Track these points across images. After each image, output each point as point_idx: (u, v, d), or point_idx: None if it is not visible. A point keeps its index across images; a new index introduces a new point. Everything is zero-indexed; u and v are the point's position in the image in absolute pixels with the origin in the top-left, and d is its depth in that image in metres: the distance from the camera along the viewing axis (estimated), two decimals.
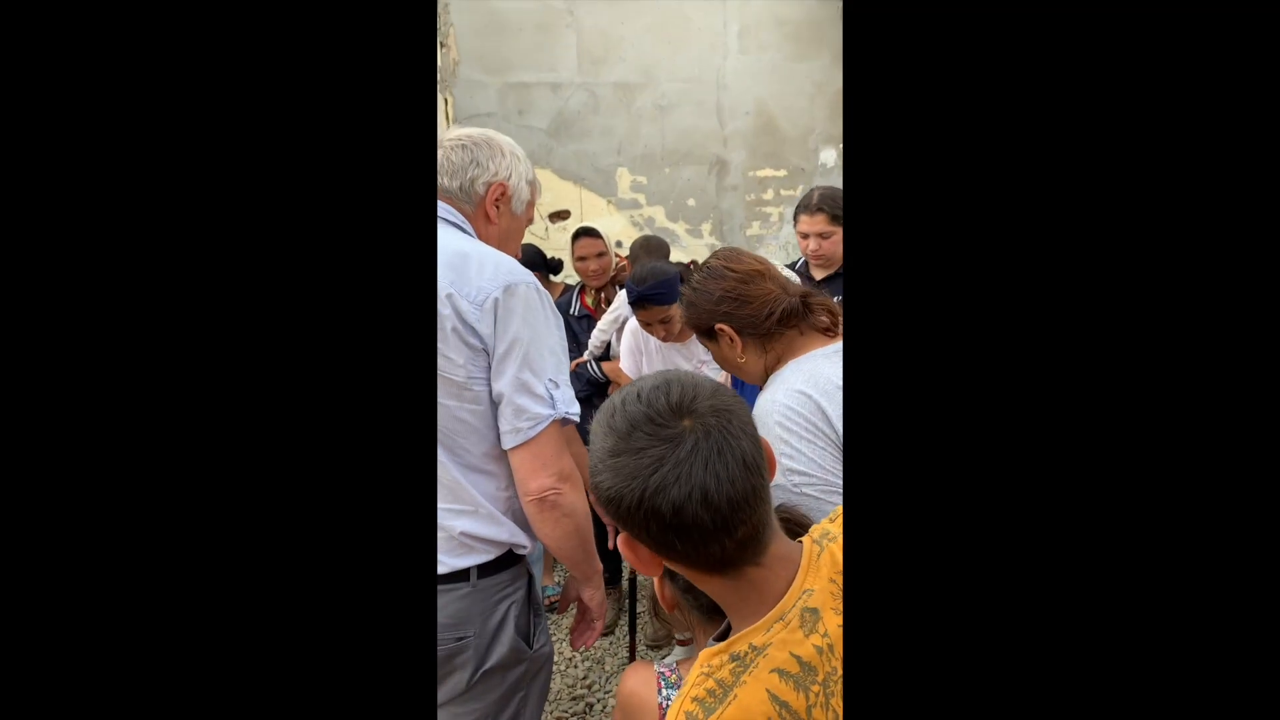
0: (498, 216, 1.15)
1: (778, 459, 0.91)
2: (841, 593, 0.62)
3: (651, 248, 2.65)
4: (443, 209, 1.11)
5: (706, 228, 4.07)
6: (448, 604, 1.06)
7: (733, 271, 1.11)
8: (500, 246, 1.13)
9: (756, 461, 0.59)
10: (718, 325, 1.11)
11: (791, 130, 4.05)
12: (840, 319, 1.11)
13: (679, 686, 1.00)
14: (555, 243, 3.94)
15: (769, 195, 4.10)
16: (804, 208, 2.20)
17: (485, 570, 1.08)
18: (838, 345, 1.07)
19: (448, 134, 1.16)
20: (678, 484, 0.56)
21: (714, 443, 0.57)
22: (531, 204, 1.22)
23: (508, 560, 1.11)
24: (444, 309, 0.98)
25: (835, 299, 1.20)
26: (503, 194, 1.15)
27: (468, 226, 1.12)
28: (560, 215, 4.01)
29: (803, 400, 0.98)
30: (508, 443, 1.01)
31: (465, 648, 1.07)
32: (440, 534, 1.05)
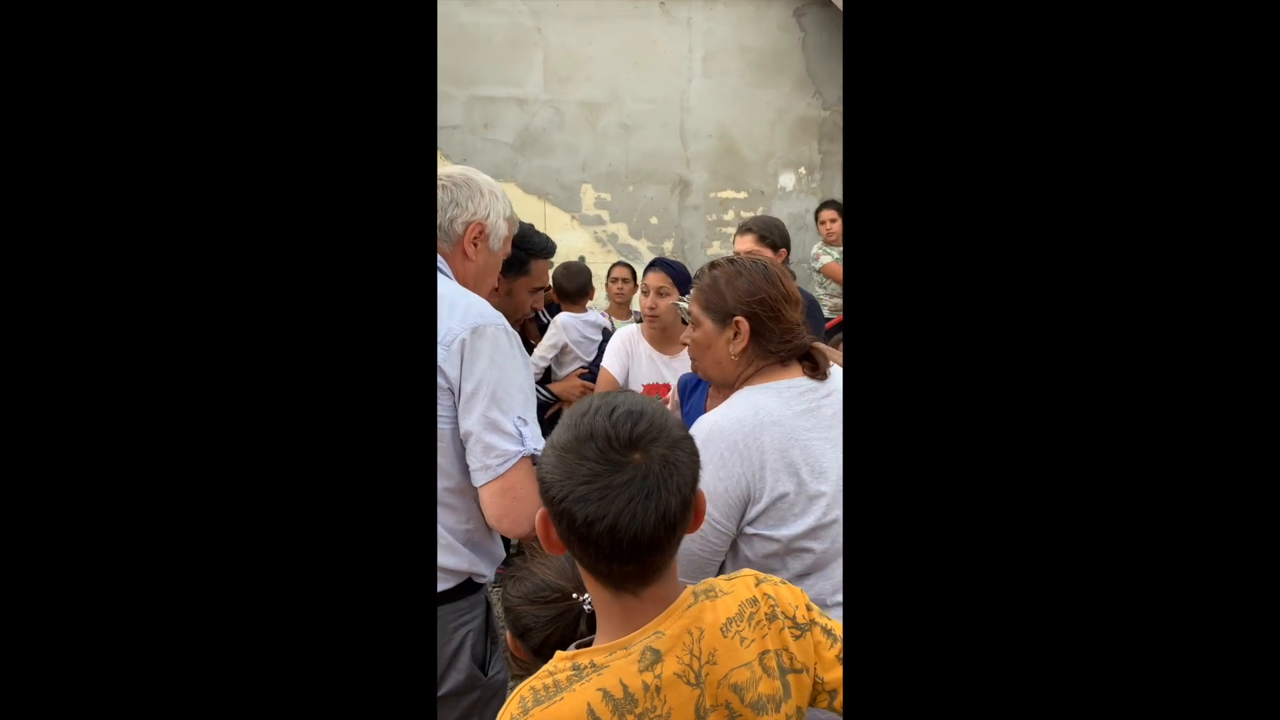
0: (475, 254, 1.18)
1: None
2: (698, 645, 0.67)
3: (571, 273, 2.73)
4: None
5: (669, 245, 4.15)
6: None
7: (783, 285, 1.10)
8: (476, 282, 1.17)
9: (675, 518, 0.64)
10: (738, 316, 1.07)
11: (752, 154, 4.16)
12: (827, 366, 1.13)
13: None
14: None
15: (729, 216, 4.20)
16: (740, 230, 2.39)
17: (445, 598, 1.10)
18: (791, 382, 1.08)
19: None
20: (598, 504, 0.61)
21: (647, 486, 0.62)
22: (508, 239, 1.24)
23: (467, 588, 1.14)
24: None
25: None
26: (480, 232, 1.18)
27: (444, 266, 1.15)
28: None
29: (738, 425, 1.01)
30: (478, 480, 1.04)
31: None
32: None
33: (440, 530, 1.08)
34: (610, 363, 2.17)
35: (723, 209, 4.18)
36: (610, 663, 0.66)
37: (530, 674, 0.82)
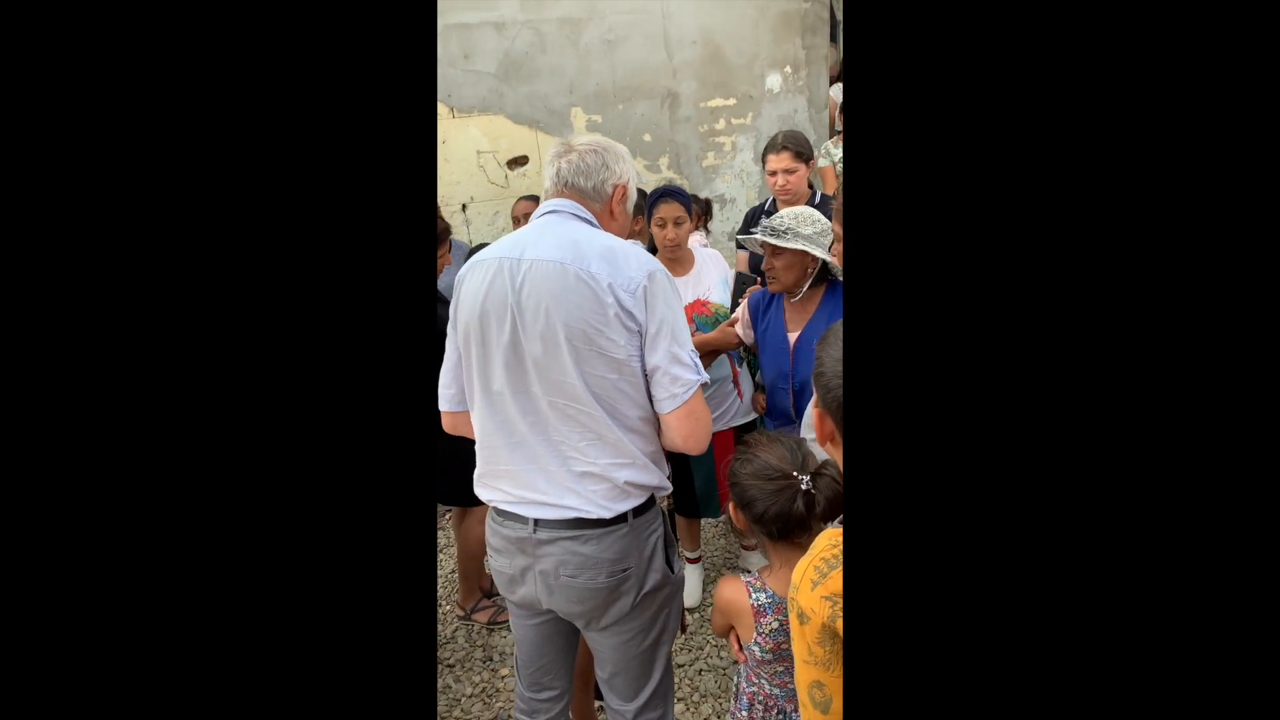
0: (619, 213, 1.31)
1: None
2: None
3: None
4: (573, 206, 1.24)
5: (664, 162, 4.14)
6: (613, 543, 1.24)
7: None
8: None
9: None
10: None
11: (737, 58, 4.11)
12: None
13: (764, 590, 1.23)
14: (516, 190, 3.93)
15: (721, 125, 4.19)
16: (771, 148, 2.40)
17: (638, 512, 1.26)
18: None
19: (578, 140, 1.27)
20: None
21: None
22: (634, 203, 1.37)
23: (651, 502, 1.29)
24: (606, 298, 1.12)
25: None
26: (624, 194, 1.30)
27: (595, 221, 1.25)
28: (518, 161, 3.97)
29: None
30: (666, 407, 1.17)
31: (629, 577, 1.26)
32: (605, 484, 1.21)
33: (636, 453, 1.22)
34: None
35: (713, 118, 4.16)
36: None
37: (743, 539, 0.96)
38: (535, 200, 3.10)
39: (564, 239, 1.17)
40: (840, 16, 4.25)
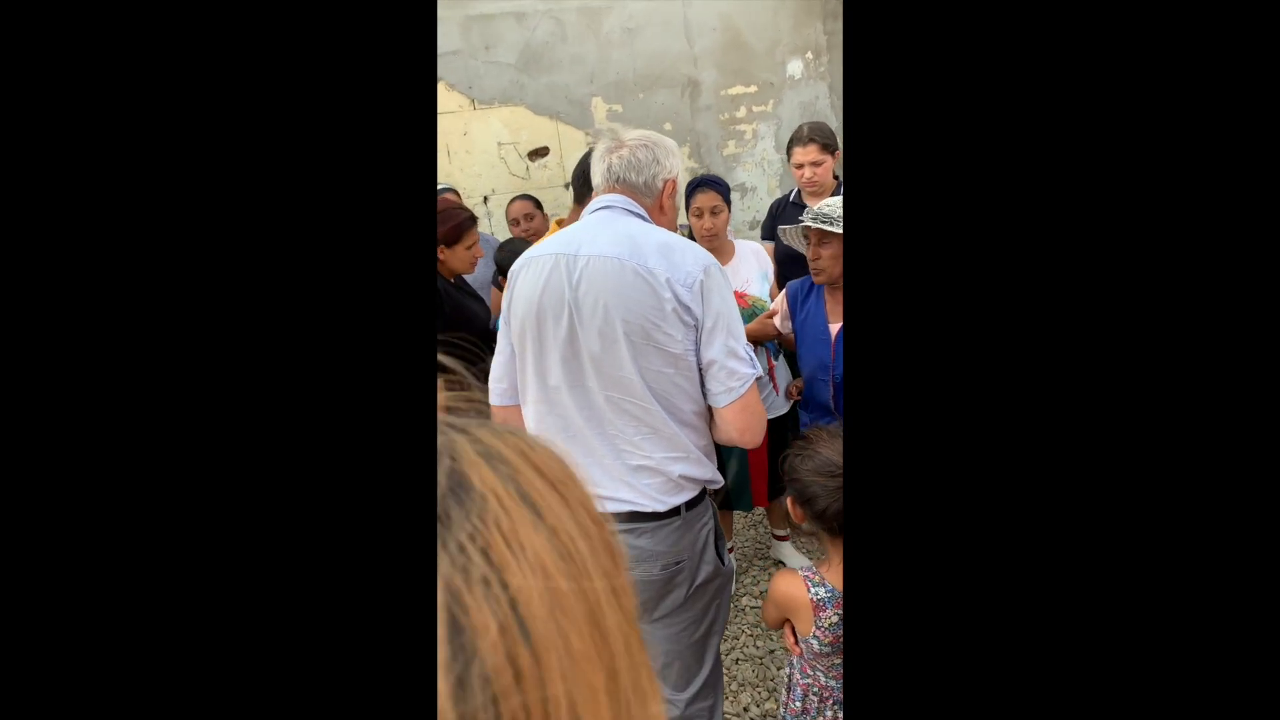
0: (668, 208, 1.31)
1: None
2: None
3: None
4: (625, 201, 1.24)
5: (685, 151, 4.12)
6: (666, 536, 1.25)
7: None
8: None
9: None
10: None
11: (758, 44, 4.08)
12: None
13: (824, 585, 1.23)
14: (537, 181, 3.92)
15: (741, 113, 4.17)
16: (796, 140, 2.38)
17: (690, 505, 1.27)
18: None
19: (628, 135, 1.26)
20: None
21: None
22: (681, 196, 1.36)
23: (703, 495, 1.30)
24: (665, 293, 1.12)
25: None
26: (673, 189, 1.31)
27: (647, 216, 1.25)
28: (539, 153, 3.96)
29: None
30: (721, 401, 1.18)
31: (681, 569, 1.27)
32: (659, 478, 1.22)
33: (691, 447, 1.23)
34: None
35: (734, 106, 4.13)
36: None
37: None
38: (529, 200, 3.06)
39: (619, 234, 1.18)
40: None
